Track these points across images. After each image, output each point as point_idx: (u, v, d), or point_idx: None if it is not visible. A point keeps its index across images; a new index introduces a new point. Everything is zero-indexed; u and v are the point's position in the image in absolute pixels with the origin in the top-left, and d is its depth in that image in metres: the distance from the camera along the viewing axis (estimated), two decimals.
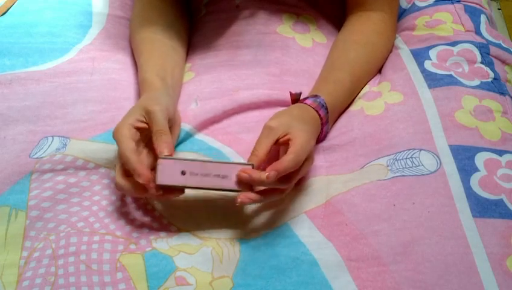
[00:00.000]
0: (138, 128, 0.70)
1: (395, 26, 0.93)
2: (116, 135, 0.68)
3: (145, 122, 0.70)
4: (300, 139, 0.67)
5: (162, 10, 0.92)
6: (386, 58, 0.90)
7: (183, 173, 0.65)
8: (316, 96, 0.77)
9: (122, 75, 0.90)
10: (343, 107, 0.83)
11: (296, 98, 0.79)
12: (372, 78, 0.88)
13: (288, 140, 0.67)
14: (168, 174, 0.65)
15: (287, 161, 0.64)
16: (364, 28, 0.89)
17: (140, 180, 0.65)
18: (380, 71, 0.90)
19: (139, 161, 0.66)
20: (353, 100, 0.85)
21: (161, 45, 0.87)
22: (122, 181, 0.67)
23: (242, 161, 0.70)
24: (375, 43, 0.88)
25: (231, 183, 0.65)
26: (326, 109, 0.76)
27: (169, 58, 0.86)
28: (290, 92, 0.80)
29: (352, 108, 0.83)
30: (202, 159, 0.67)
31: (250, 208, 0.71)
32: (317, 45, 0.92)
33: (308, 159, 0.68)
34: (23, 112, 0.82)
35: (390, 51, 0.91)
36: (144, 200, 0.72)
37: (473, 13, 0.93)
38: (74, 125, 0.80)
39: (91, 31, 0.98)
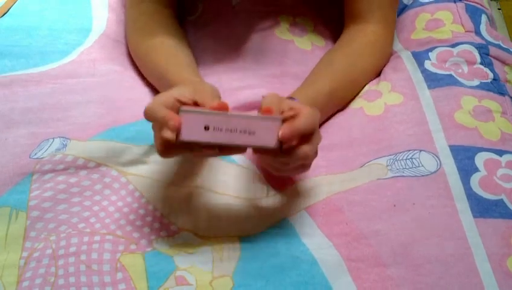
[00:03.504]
0: (182, 102, 0.63)
1: (390, 38, 0.91)
2: (158, 112, 0.61)
3: (191, 99, 0.64)
4: (307, 108, 0.63)
5: (160, 16, 0.90)
6: (379, 68, 0.89)
7: (206, 128, 0.59)
8: (290, 98, 0.75)
9: (124, 76, 0.90)
10: (324, 112, 0.81)
11: None
12: (360, 88, 0.86)
13: (294, 114, 0.63)
14: (190, 129, 0.59)
15: (302, 119, 0.61)
16: (355, 39, 0.88)
17: (171, 126, 0.58)
18: (379, 73, 0.90)
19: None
20: (351, 101, 0.85)
21: (181, 53, 0.85)
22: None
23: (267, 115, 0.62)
24: (362, 54, 0.87)
25: (259, 139, 0.60)
26: None
27: (193, 64, 0.85)
28: (262, 96, 0.79)
29: (352, 106, 0.83)
30: (227, 113, 0.60)
31: (250, 205, 0.71)
32: (316, 48, 0.92)
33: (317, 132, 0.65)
34: (25, 114, 0.82)
35: (384, 63, 0.90)
36: (145, 200, 0.72)
37: (474, 12, 0.93)
38: (75, 127, 0.80)
39: (92, 35, 0.98)
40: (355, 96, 0.85)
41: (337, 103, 0.84)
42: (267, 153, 0.62)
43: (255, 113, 0.63)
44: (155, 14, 0.90)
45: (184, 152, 0.61)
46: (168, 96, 0.62)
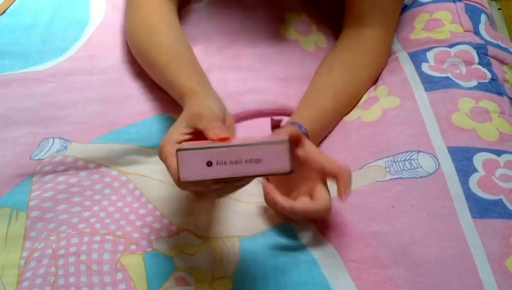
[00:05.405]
0: (190, 134, 0.61)
1: (389, 43, 0.91)
2: (161, 155, 0.59)
3: (191, 131, 0.61)
4: (326, 200, 0.67)
5: (160, 8, 0.89)
6: (378, 76, 0.89)
7: (209, 163, 0.54)
8: (298, 124, 0.74)
9: (122, 72, 0.89)
10: (327, 132, 0.82)
11: (276, 125, 0.79)
12: (359, 99, 0.86)
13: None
14: (191, 168, 0.54)
15: (309, 207, 0.66)
16: (354, 46, 0.87)
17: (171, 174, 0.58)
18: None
19: None
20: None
21: (183, 51, 0.82)
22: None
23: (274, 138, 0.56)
24: (362, 64, 0.86)
25: (269, 166, 0.54)
26: (308, 138, 0.74)
27: (197, 61, 0.81)
28: (271, 118, 0.79)
29: (350, 118, 0.83)
30: (228, 144, 0.55)
31: (250, 205, 0.72)
32: (320, 49, 0.91)
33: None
34: (24, 113, 0.82)
35: (382, 68, 0.89)
36: (145, 199, 0.72)
37: (474, 12, 0.92)
38: (75, 127, 0.80)
39: (89, 27, 0.97)
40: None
41: (340, 118, 0.84)
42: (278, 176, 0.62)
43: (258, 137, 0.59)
44: (155, 5, 0.89)
45: (199, 187, 0.58)
46: (176, 132, 0.61)
